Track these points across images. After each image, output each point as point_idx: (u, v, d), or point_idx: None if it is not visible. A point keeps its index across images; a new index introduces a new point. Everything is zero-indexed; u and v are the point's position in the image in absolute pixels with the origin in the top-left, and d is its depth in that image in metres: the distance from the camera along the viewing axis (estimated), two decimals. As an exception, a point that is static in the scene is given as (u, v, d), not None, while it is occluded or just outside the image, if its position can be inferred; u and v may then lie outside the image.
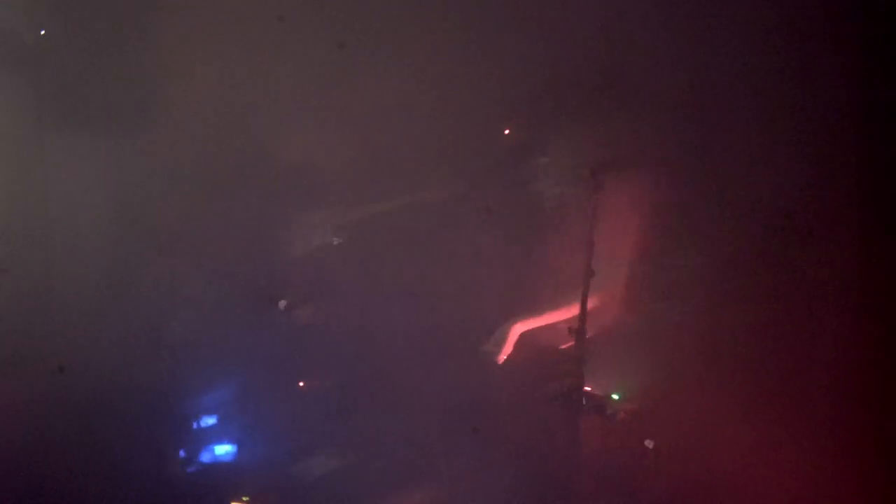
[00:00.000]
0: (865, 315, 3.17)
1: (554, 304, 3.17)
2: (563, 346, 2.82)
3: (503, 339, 3.11)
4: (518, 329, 3.12)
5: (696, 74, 3.41)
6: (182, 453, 3.96)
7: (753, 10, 3.28)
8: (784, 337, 3.37)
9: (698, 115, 3.42)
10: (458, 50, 3.51)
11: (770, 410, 3.25)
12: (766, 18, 3.27)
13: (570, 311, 2.87)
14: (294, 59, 3.78)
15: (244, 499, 3.60)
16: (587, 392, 2.81)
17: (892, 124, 3.10)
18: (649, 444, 2.92)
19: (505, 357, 3.11)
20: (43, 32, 3.67)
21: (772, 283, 3.41)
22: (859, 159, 3.23)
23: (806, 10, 3.21)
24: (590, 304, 2.77)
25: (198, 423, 4.08)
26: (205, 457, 4.03)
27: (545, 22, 3.47)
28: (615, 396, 2.96)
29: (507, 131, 3.40)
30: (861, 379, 3.10)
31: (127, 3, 3.65)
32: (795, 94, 3.32)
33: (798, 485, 3.03)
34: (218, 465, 3.99)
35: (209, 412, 4.10)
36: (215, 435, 4.06)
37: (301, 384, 4.33)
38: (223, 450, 4.04)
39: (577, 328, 2.77)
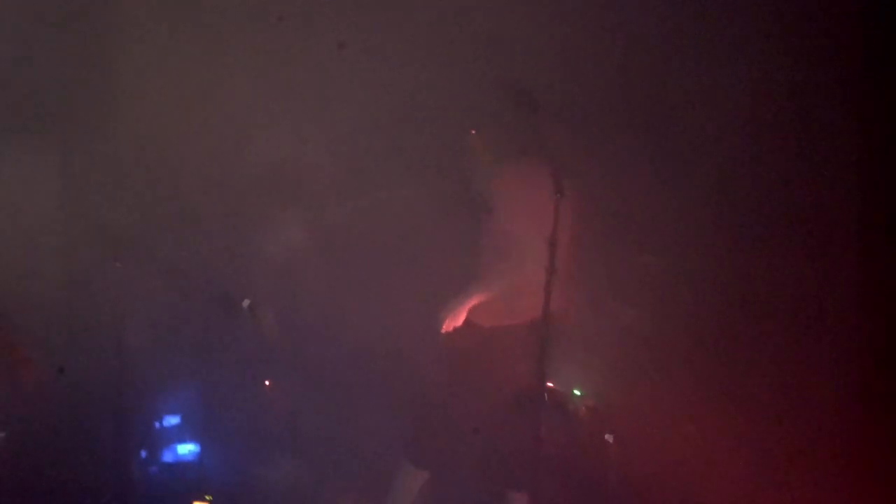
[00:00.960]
0: (862, 314, 3.21)
1: (518, 302, 3.19)
2: (525, 345, 2.84)
3: (456, 309, 3.13)
4: (472, 303, 3.14)
5: (680, 75, 3.44)
6: (144, 453, 3.93)
7: (746, 8, 3.32)
8: (743, 332, 3.43)
9: (679, 114, 3.46)
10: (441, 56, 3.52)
11: (731, 404, 3.30)
12: (760, 15, 3.31)
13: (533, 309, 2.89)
14: (260, 57, 3.77)
15: (207, 498, 3.58)
16: (549, 389, 2.84)
17: (892, 124, 3.13)
18: (609, 438, 2.97)
19: (452, 328, 3.13)
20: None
21: (736, 280, 3.46)
22: (859, 159, 3.25)
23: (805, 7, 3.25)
24: (552, 303, 2.80)
25: (160, 423, 4.05)
26: (167, 456, 4.00)
27: (534, 27, 3.49)
28: (577, 392, 3.00)
29: (473, 131, 3.41)
30: (858, 379, 3.15)
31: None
32: (791, 91, 3.34)
33: (755, 475, 3.09)
34: (181, 465, 3.97)
35: (172, 412, 4.08)
36: (178, 434, 4.03)
37: (267, 383, 4.32)
38: (186, 449, 4.02)
39: (540, 326, 2.79)
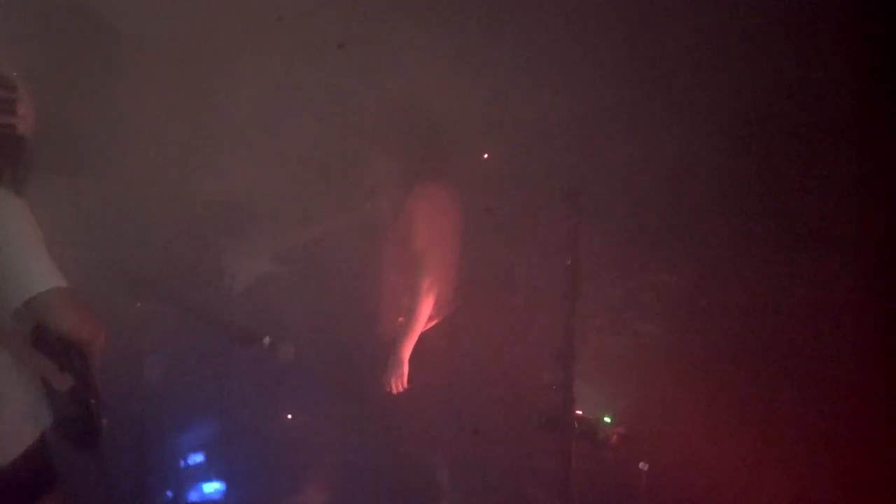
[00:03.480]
0: (867, 328, 3.14)
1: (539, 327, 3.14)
2: (550, 371, 2.77)
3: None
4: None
5: (685, 87, 3.40)
6: (170, 493, 3.89)
7: (748, 8, 3.27)
8: (778, 350, 3.35)
9: (689, 124, 3.41)
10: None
11: (766, 426, 3.22)
12: (763, 17, 3.26)
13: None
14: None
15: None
16: (578, 416, 2.76)
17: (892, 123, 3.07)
18: (644, 466, 2.88)
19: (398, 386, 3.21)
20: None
21: (763, 296, 3.39)
22: (860, 164, 3.20)
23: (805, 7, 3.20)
24: (574, 326, 2.73)
25: (185, 462, 4.02)
26: (193, 496, 3.97)
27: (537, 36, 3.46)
28: (606, 419, 2.91)
29: (485, 156, 3.39)
30: (864, 394, 3.07)
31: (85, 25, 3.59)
32: (792, 93, 3.30)
33: (783, 488, 2.99)
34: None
35: (196, 450, 4.04)
36: (203, 473, 4.00)
37: (290, 416, 4.29)
38: (212, 488, 3.98)
39: (564, 351, 2.72)
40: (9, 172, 2.14)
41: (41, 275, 2.05)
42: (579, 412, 2.78)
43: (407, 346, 3.16)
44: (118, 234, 3.53)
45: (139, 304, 3.38)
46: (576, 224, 2.70)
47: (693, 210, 3.40)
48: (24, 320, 2.10)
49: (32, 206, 2.15)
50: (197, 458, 4.04)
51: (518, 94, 3.40)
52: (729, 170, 3.38)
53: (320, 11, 3.49)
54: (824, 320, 3.24)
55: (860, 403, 3.08)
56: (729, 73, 3.32)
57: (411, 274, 3.18)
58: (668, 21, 3.32)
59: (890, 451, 2.97)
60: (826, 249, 3.27)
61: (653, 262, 3.45)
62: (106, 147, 3.57)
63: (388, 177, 3.31)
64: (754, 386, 3.27)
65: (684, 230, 3.39)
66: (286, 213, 4.02)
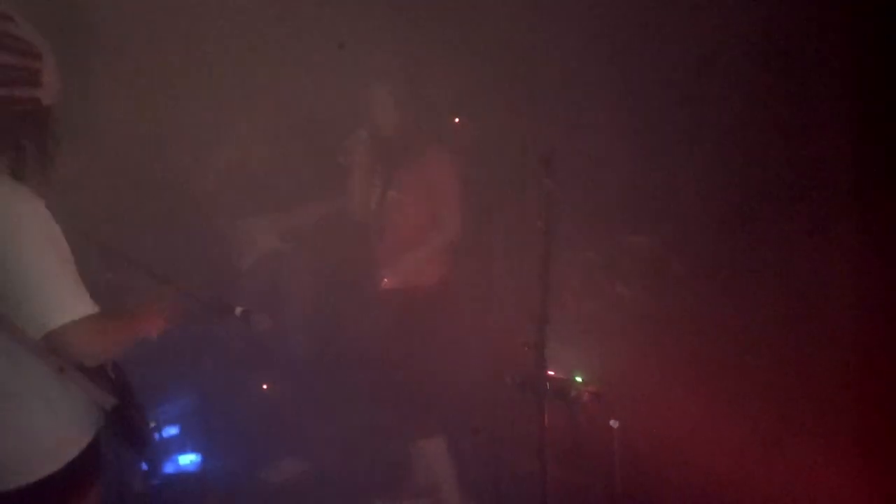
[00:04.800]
0: (843, 286, 3.21)
1: (513, 290, 3.19)
2: (525, 333, 2.81)
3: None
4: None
5: (674, 58, 3.43)
6: (144, 466, 3.88)
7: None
8: (751, 311, 3.42)
9: (668, 93, 3.45)
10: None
11: (737, 385, 3.30)
12: (760, 9, 3.29)
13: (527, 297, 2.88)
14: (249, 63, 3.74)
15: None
16: (550, 376, 2.81)
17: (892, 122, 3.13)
18: (614, 423, 2.94)
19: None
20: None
21: (737, 258, 3.46)
22: (857, 154, 3.25)
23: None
24: (549, 288, 2.77)
25: (159, 435, 4.01)
26: (169, 468, 3.96)
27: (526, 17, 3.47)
28: (578, 379, 2.97)
29: (456, 119, 3.43)
30: (838, 358, 3.15)
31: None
32: (789, 85, 3.35)
33: (768, 463, 3.07)
34: (183, 476, 3.93)
35: (170, 422, 4.04)
36: (178, 445, 4.00)
37: (265, 387, 4.30)
38: (187, 459, 3.98)
39: (538, 314, 2.76)
40: (34, 151, 1.92)
41: (60, 304, 1.81)
42: (552, 372, 2.83)
43: (409, 262, 3.33)
44: (95, 204, 3.50)
45: (110, 275, 3.36)
46: (550, 187, 2.73)
47: (667, 173, 3.44)
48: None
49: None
50: (172, 430, 4.04)
51: (495, 58, 3.42)
52: (704, 131, 3.42)
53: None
54: (800, 282, 3.31)
55: (834, 366, 3.16)
56: (723, 41, 3.35)
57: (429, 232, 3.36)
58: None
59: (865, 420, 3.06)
60: (798, 209, 3.34)
61: (627, 225, 3.50)
62: (86, 117, 3.52)
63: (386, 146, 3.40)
64: (726, 346, 3.35)
65: (659, 193, 3.44)
66: (294, 190, 4.02)
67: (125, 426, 2.03)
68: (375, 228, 3.48)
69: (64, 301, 1.83)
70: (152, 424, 2.09)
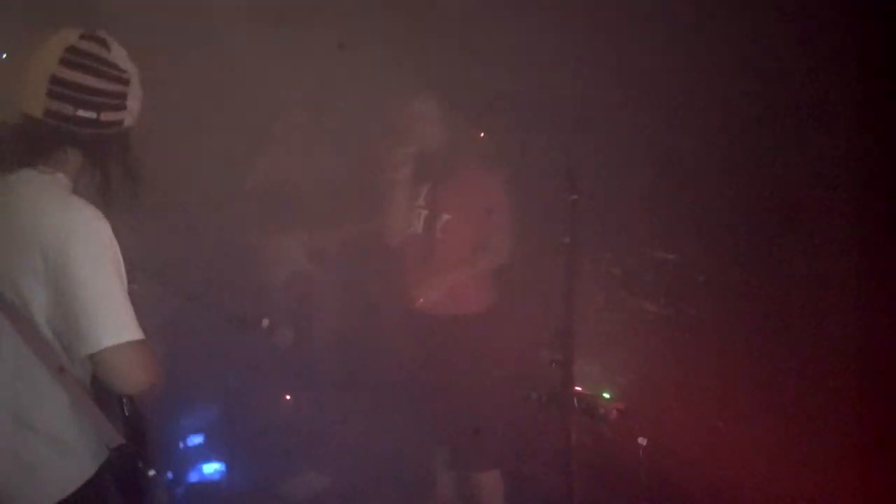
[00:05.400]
0: (866, 305, 3.16)
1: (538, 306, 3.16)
2: (550, 347, 2.78)
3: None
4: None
5: (686, 71, 3.40)
6: (170, 474, 3.90)
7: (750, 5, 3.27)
8: (776, 327, 3.38)
9: (691, 112, 3.42)
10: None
11: (765, 402, 3.25)
12: (763, 13, 3.26)
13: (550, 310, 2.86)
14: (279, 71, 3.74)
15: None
16: (578, 392, 2.77)
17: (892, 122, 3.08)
18: (643, 441, 2.90)
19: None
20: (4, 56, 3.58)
21: (762, 277, 3.41)
22: (857, 157, 3.21)
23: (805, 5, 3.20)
24: (574, 304, 2.74)
25: (184, 443, 4.03)
26: (193, 476, 3.98)
27: (535, 25, 3.45)
28: (606, 395, 2.93)
29: (482, 135, 3.38)
30: (861, 377, 3.10)
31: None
32: (793, 88, 3.31)
33: (795, 480, 3.02)
34: (206, 485, 3.94)
35: (196, 431, 4.05)
36: (203, 454, 4.01)
37: (288, 398, 4.30)
38: (211, 468, 3.99)
39: (563, 328, 2.73)
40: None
41: (112, 326, 1.80)
42: (579, 388, 2.80)
43: (451, 279, 3.24)
44: (120, 218, 3.51)
45: (134, 286, 3.38)
46: (575, 202, 2.70)
47: (693, 188, 3.41)
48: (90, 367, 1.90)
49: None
50: (196, 439, 4.05)
51: (517, 73, 3.40)
52: (729, 148, 3.39)
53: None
54: (824, 297, 3.26)
55: (859, 381, 3.11)
56: (730, 54, 3.32)
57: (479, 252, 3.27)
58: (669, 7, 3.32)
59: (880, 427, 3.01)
60: (825, 228, 3.29)
61: (652, 240, 3.46)
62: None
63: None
64: (752, 363, 3.30)
65: (684, 208, 3.41)
66: (326, 207, 4.01)
67: (124, 469, 1.94)
68: (420, 249, 3.32)
69: (116, 323, 1.83)
70: (151, 473, 1.99)
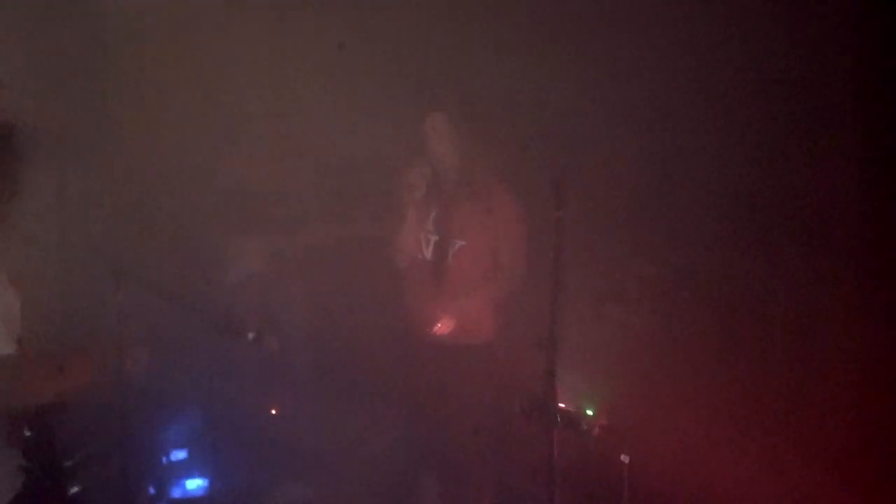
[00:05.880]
0: (853, 318, 3.15)
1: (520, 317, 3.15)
2: (532, 361, 2.75)
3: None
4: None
5: (682, 76, 3.40)
6: (152, 490, 3.85)
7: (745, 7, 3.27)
8: (761, 342, 3.36)
9: (674, 118, 3.42)
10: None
11: (749, 418, 3.22)
12: (760, 14, 3.26)
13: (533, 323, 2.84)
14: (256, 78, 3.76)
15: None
16: (560, 408, 2.74)
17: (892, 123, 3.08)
18: (625, 458, 2.86)
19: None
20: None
21: (746, 288, 3.40)
22: (860, 158, 3.21)
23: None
24: (557, 317, 2.72)
25: (167, 458, 3.99)
26: (176, 492, 3.93)
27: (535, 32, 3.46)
28: (589, 412, 2.89)
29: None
30: (850, 383, 3.08)
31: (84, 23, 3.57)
32: (791, 91, 3.31)
33: (780, 494, 2.99)
34: (190, 500, 3.89)
35: (178, 445, 4.01)
36: (186, 469, 3.97)
37: (273, 412, 4.26)
38: (195, 484, 3.95)
39: (547, 341, 2.70)
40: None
41: None
42: (562, 405, 2.76)
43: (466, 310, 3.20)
44: (105, 223, 3.52)
45: (120, 295, 3.36)
46: (560, 216, 2.69)
47: (677, 202, 3.40)
48: None
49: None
50: (180, 454, 4.01)
51: (503, 86, 3.41)
52: (714, 162, 3.39)
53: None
54: (809, 312, 3.24)
55: (845, 393, 3.09)
56: (721, 64, 3.33)
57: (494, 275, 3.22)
58: (660, 16, 3.34)
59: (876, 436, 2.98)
60: (812, 241, 3.28)
61: (637, 254, 3.45)
62: (96, 138, 3.56)
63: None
64: (737, 378, 3.28)
65: (669, 222, 3.40)
66: (294, 213, 4.00)
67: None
68: (427, 274, 3.27)
69: None
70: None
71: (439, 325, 3.22)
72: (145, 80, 3.55)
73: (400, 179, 3.21)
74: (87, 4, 3.47)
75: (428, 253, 3.27)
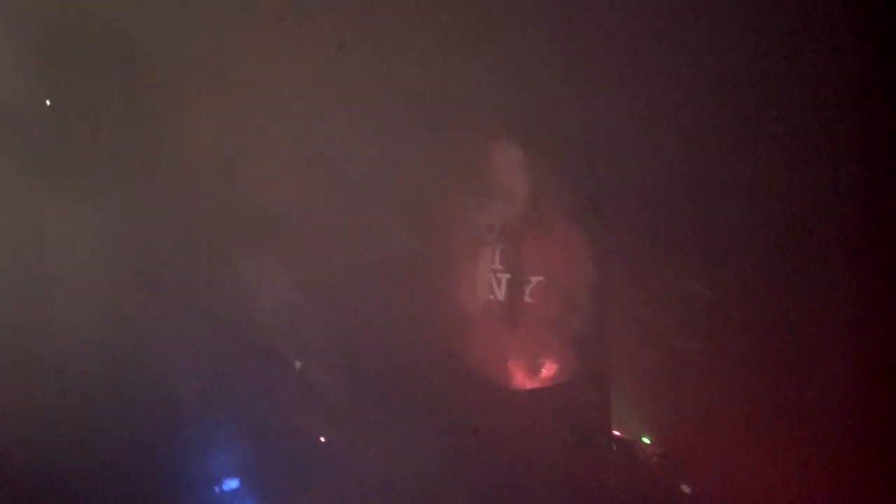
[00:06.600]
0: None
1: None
2: (585, 389, 2.69)
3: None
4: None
5: (733, 93, 3.32)
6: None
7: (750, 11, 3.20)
8: (818, 363, 3.22)
9: (709, 137, 3.34)
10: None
11: (812, 443, 3.08)
12: (765, 18, 3.19)
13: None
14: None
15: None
16: (615, 437, 2.66)
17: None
18: (686, 489, 2.76)
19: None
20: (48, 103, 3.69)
21: (799, 308, 3.27)
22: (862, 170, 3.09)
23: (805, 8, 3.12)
24: (609, 344, 2.65)
25: (220, 487, 4.00)
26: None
27: (548, 31, 3.39)
28: (646, 440, 2.81)
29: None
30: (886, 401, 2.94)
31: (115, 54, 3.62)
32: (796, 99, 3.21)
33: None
34: (242, 529, 3.90)
35: (231, 474, 4.02)
36: (239, 498, 3.97)
37: (322, 440, 4.25)
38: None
39: (599, 370, 2.64)
40: None
41: None
42: (616, 432, 2.69)
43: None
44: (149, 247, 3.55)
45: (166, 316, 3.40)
46: (601, 237, 2.62)
47: (725, 221, 3.29)
48: None
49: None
50: (232, 483, 4.02)
51: (536, 100, 3.33)
52: (761, 180, 3.28)
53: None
54: (866, 333, 3.10)
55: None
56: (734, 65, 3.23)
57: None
58: (677, 27, 3.26)
59: None
60: (862, 260, 3.15)
61: (685, 275, 3.34)
62: (130, 155, 3.59)
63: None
64: (795, 399, 3.14)
65: (717, 241, 3.29)
66: (318, 232, 3.96)
67: None
68: (503, 317, 3.11)
69: None
70: None
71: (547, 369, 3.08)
72: (182, 101, 3.56)
73: (468, 220, 3.10)
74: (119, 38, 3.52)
75: (500, 293, 3.12)
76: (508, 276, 3.08)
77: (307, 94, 3.65)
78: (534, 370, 3.08)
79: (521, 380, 3.13)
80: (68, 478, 3.47)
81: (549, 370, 3.08)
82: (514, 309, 3.07)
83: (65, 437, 3.48)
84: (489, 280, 3.13)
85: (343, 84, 3.56)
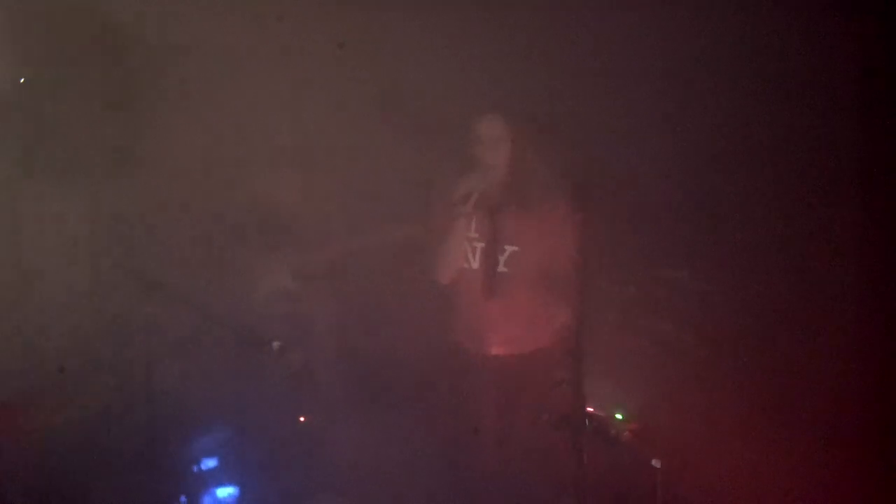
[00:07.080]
0: (883, 327, 3.10)
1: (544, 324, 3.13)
2: (560, 368, 2.74)
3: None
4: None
5: (688, 76, 3.37)
6: (183, 499, 3.89)
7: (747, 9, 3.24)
8: (792, 348, 3.31)
9: (693, 122, 3.39)
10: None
11: (780, 424, 3.18)
12: (762, 15, 3.24)
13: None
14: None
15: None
16: (589, 413, 2.73)
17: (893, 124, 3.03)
18: (657, 463, 2.84)
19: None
20: (22, 81, 3.66)
21: (777, 293, 3.35)
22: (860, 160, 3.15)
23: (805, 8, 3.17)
24: (583, 323, 2.71)
25: (198, 467, 4.02)
26: (207, 500, 3.97)
27: (542, 29, 3.44)
28: (618, 416, 2.88)
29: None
30: (868, 388, 3.03)
31: (109, 43, 3.61)
32: (795, 96, 3.27)
33: (812, 499, 2.95)
34: (221, 509, 3.93)
35: (210, 454, 4.04)
36: (217, 478, 4.00)
37: (302, 419, 4.28)
38: (225, 492, 3.98)
39: (574, 349, 2.70)
40: None
41: None
42: (590, 409, 2.75)
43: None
44: (134, 237, 3.56)
45: (149, 308, 3.41)
46: (583, 220, 2.67)
47: (706, 206, 3.36)
48: None
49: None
50: (210, 462, 4.04)
51: (520, 88, 3.39)
52: (741, 166, 3.35)
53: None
54: (842, 319, 3.19)
55: (875, 400, 3.04)
56: (738, 71, 3.29)
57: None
58: (672, 21, 3.31)
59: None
60: (840, 248, 3.24)
61: (665, 259, 3.42)
62: (127, 151, 3.60)
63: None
64: (768, 384, 3.24)
65: (697, 226, 3.36)
66: (319, 225, 3.98)
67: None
68: (477, 285, 3.13)
69: None
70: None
71: (493, 348, 3.13)
72: (177, 97, 3.57)
73: (446, 192, 3.11)
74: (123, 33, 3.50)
75: (474, 262, 3.15)
76: (483, 244, 3.11)
77: (307, 93, 3.68)
78: (506, 339, 3.14)
79: (495, 349, 3.18)
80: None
81: (521, 339, 3.15)
82: (488, 277, 3.09)
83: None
84: (465, 249, 3.16)
85: (343, 84, 3.60)
